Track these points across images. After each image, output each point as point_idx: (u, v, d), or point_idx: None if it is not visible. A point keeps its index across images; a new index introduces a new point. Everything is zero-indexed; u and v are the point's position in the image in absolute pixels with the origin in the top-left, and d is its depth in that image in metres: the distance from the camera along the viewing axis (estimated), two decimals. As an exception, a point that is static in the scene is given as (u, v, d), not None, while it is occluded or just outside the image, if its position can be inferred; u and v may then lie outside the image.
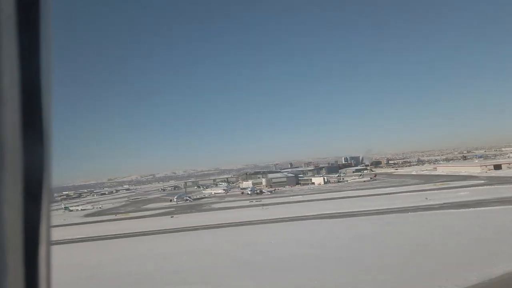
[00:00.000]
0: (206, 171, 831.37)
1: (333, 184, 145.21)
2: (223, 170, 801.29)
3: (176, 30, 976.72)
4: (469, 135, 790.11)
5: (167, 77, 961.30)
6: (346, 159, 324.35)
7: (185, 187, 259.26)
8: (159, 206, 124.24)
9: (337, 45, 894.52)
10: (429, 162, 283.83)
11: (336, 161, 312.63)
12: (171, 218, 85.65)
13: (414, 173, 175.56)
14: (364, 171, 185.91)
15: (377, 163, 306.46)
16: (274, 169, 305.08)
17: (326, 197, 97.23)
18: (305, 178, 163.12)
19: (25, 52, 1.19)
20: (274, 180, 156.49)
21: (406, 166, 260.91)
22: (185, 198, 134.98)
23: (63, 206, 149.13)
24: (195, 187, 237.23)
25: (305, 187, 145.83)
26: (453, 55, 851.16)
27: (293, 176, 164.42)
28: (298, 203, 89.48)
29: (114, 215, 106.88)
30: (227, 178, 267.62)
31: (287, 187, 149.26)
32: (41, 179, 1.29)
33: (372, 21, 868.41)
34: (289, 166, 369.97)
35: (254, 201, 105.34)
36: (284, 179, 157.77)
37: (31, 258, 1.27)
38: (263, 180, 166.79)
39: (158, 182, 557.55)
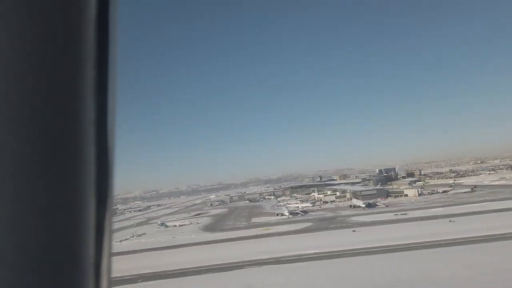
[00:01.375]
0: (209, 186, 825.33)
1: (434, 197, 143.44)
2: (228, 184, 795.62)
3: (176, 29, 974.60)
4: (462, 145, 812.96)
5: (165, 89, 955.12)
6: (380, 171, 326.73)
7: (230, 201, 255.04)
8: (275, 220, 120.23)
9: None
10: (467, 172, 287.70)
11: (378, 173, 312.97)
12: (354, 232, 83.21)
13: (487, 183, 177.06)
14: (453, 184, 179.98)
15: (411, 175, 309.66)
16: (315, 182, 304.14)
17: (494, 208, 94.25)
18: (396, 190, 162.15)
19: (100, 75, 1.26)
20: (363, 193, 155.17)
21: (446, 177, 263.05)
22: (295, 211, 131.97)
23: (159, 222, 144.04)
24: (247, 201, 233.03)
25: (403, 199, 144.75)
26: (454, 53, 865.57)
27: (382, 189, 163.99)
28: (484, 215, 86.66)
29: (260, 229, 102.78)
30: (273, 192, 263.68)
31: (378, 199, 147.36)
32: (106, 188, 1.37)
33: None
34: (319, 180, 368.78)
35: (399, 214, 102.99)
36: (374, 192, 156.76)
37: (98, 255, 1.36)
38: (347, 193, 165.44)
39: (169, 198, 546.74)
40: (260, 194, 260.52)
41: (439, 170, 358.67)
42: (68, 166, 1.19)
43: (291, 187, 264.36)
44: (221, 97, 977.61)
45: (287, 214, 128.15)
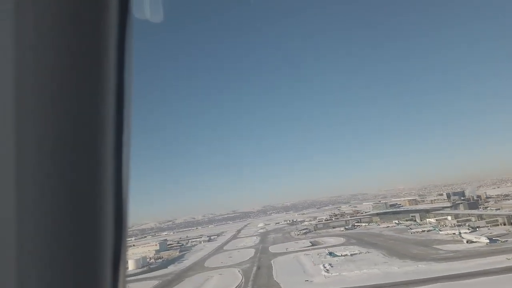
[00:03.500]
0: (225, 214, 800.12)
1: None
2: (245, 212, 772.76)
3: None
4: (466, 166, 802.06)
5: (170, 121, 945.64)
6: (448, 195, 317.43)
7: (315, 229, 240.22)
8: (481, 248, 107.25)
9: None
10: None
11: (472, 196, 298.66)
12: None
13: None
14: None
15: (479, 197, 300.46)
16: (395, 209, 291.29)
17: None
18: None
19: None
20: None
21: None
22: (492, 238, 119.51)
23: (327, 252, 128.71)
24: (342, 229, 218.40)
25: None
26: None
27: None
28: None
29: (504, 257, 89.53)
30: (360, 218, 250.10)
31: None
32: (122, 217, 1.43)
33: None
34: (382, 205, 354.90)
35: None
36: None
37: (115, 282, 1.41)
38: (499, 218, 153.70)
39: (196, 228, 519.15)
40: (346, 221, 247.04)
41: (499, 192, 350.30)
42: (87, 196, 1.21)
43: (377, 214, 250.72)
44: (231, 125, 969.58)
45: (484, 241, 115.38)
